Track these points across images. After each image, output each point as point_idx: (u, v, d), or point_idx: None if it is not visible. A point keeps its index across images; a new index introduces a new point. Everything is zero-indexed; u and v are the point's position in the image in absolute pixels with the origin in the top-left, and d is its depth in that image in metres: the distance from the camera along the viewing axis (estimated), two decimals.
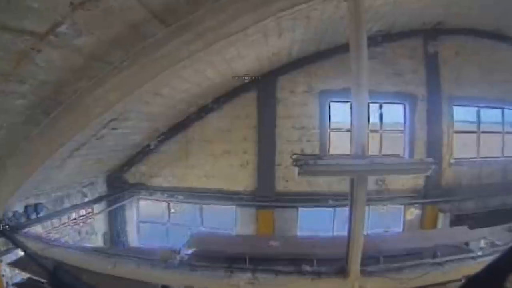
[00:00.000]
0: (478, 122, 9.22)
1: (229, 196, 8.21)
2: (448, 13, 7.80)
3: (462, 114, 9.09)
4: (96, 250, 4.92)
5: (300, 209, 8.17)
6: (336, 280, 4.14)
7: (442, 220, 8.63)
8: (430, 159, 3.94)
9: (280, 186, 8.13)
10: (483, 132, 9.23)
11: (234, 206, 8.29)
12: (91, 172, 8.07)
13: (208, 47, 3.59)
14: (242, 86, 7.96)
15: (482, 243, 5.04)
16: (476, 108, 9.23)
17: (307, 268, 4.31)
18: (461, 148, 8.98)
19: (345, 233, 4.26)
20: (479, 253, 4.79)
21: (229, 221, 8.62)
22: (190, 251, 4.77)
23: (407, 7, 6.98)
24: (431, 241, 5.25)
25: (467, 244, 5.19)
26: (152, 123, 7.48)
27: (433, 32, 8.61)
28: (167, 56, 3.63)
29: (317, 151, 7.96)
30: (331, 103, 8.16)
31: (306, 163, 3.22)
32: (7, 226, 4.74)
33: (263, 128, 8.01)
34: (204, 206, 8.62)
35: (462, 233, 5.79)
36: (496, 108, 9.32)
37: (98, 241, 8.80)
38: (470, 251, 4.95)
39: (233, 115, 8.18)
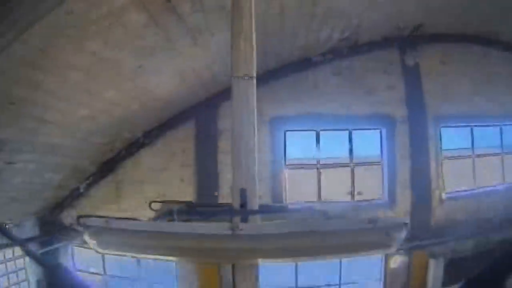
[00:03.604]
0: (472, 144, 7.71)
1: None
2: (430, 14, 6.33)
3: (452, 136, 7.54)
4: None
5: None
6: None
7: (434, 267, 7.11)
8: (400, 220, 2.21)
9: None
10: (478, 155, 7.72)
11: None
12: (10, 212, 6.77)
13: None
14: (177, 116, 6.49)
15: None
16: (468, 128, 7.75)
17: None
18: (454, 178, 7.42)
19: None
20: None
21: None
22: None
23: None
24: None
25: None
26: (63, 158, 5.97)
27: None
28: None
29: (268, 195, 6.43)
30: (287, 132, 6.61)
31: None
32: None
33: (202, 167, 6.47)
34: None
35: None
36: (493, 126, 7.83)
37: None
38: None
39: (168, 151, 6.65)
